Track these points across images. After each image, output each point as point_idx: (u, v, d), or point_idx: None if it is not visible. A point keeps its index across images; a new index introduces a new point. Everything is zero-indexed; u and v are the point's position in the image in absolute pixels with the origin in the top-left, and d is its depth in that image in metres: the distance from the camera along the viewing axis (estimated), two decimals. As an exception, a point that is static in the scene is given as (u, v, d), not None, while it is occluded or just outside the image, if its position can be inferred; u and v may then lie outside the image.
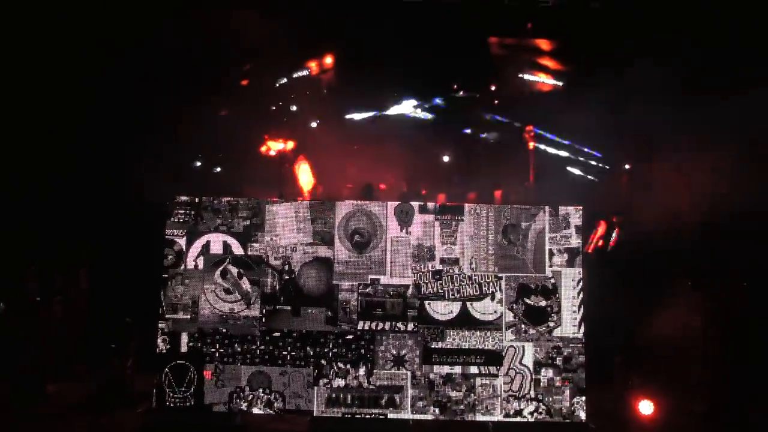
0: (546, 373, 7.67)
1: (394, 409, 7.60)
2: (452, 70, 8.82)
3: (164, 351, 7.67)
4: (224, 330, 7.70)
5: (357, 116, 9.04)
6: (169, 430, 7.63)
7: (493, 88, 9.31)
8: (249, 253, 7.81)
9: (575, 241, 7.85)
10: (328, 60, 8.97)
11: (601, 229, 8.69)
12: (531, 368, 7.67)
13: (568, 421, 7.59)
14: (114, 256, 10.40)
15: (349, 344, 7.69)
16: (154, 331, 7.70)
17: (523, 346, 7.70)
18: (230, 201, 7.93)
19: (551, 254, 7.83)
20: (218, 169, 9.29)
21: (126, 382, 8.71)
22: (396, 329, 7.71)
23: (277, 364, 7.65)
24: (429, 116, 9.13)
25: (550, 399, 7.63)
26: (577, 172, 9.46)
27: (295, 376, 7.65)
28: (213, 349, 7.67)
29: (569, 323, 7.73)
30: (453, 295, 7.78)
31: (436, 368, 7.67)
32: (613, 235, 8.42)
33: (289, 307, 7.75)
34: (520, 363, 7.68)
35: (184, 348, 7.68)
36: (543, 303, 7.77)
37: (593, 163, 9.04)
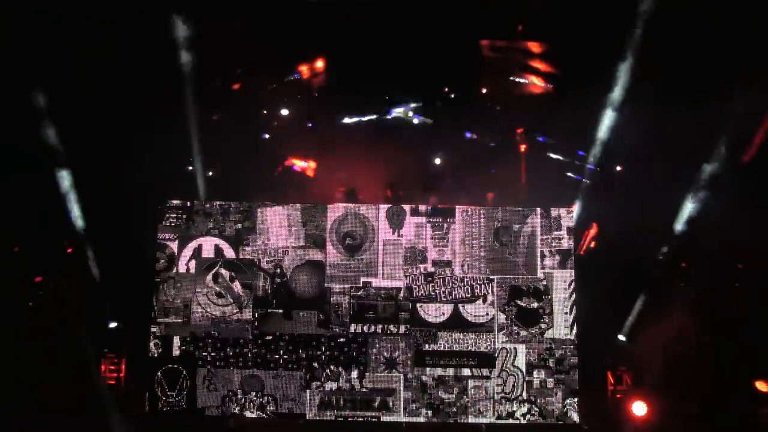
0: (538, 375, 7.68)
1: (387, 412, 7.60)
2: (442, 73, 8.84)
3: (156, 355, 7.67)
4: (216, 334, 7.70)
5: (349, 120, 9.06)
6: (161, 434, 7.63)
7: (484, 90, 9.31)
8: (241, 256, 7.83)
9: (567, 243, 7.88)
10: (319, 64, 8.97)
11: (593, 231, 8.69)
12: (523, 370, 7.68)
13: (560, 422, 7.60)
14: (106, 260, 10.38)
15: (341, 347, 7.70)
16: (147, 335, 7.69)
17: (516, 348, 7.71)
18: (222, 205, 7.94)
19: (543, 256, 7.85)
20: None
21: (119, 386, 8.69)
22: (388, 332, 7.72)
23: (269, 368, 7.66)
24: (420, 120, 9.14)
25: (543, 401, 7.64)
26: (569, 174, 9.46)
27: (288, 379, 7.65)
28: (205, 353, 7.67)
29: (561, 325, 7.75)
30: (445, 297, 7.79)
31: (429, 370, 7.67)
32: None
33: (281, 311, 7.76)
34: (513, 365, 7.69)
35: (176, 352, 7.68)
36: (535, 305, 7.78)
37: (585, 165, 9.04)
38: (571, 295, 7.80)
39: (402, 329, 7.71)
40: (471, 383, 7.65)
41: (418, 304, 7.77)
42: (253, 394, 7.62)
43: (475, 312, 7.76)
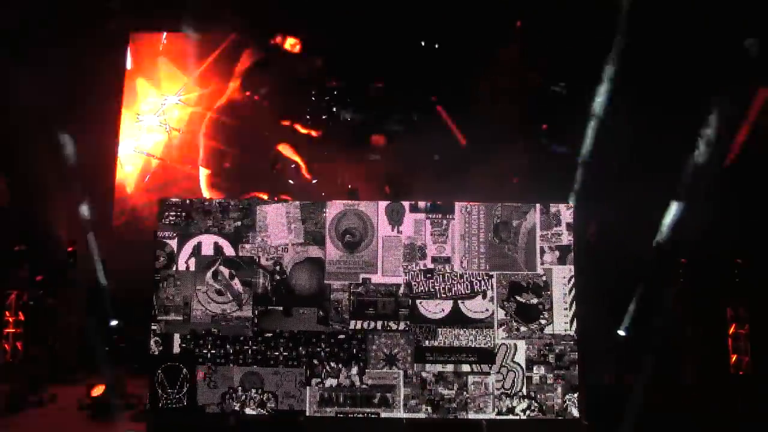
0: (538, 371, 7.67)
1: (387, 408, 7.60)
2: (443, 68, 8.83)
3: (156, 353, 7.68)
4: (216, 331, 7.70)
5: (347, 115, 9.05)
6: (163, 431, 7.64)
7: (485, 85, 9.32)
8: (240, 254, 7.82)
9: (567, 239, 7.86)
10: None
11: (593, 227, 8.70)
12: (523, 366, 7.67)
13: (561, 418, 7.59)
14: (108, 259, 10.43)
15: (341, 344, 7.70)
16: (147, 333, 7.70)
17: (516, 344, 7.71)
18: (221, 202, 7.95)
19: (542, 252, 7.84)
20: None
21: (119, 384, 8.73)
22: (388, 328, 7.72)
23: (269, 365, 7.66)
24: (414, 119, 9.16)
25: (543, 396, 7.64)
26: (570, 169, 9.45)
27: (288, 376, 7.65)
28: (205, 351, 7.67)
29: (561, 320, 7.73)
30: (444, 293, 7.78)
31: (428, 367, 7.67)
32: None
33: (281, 308, 7.75)
34: (513, 360, 7.68)
35: (176, 349, 7.68)
36: (534, 300, 7.77)
37: (587, 160, 9.04)
38: (570, 291, 7.78)
39: (402, 326, 7.71)
40: (471, 379, 7.65)
41: (417, 301, 7.76)
42: (254, 391, 7.62)
43: (474, 308, 7.75)
